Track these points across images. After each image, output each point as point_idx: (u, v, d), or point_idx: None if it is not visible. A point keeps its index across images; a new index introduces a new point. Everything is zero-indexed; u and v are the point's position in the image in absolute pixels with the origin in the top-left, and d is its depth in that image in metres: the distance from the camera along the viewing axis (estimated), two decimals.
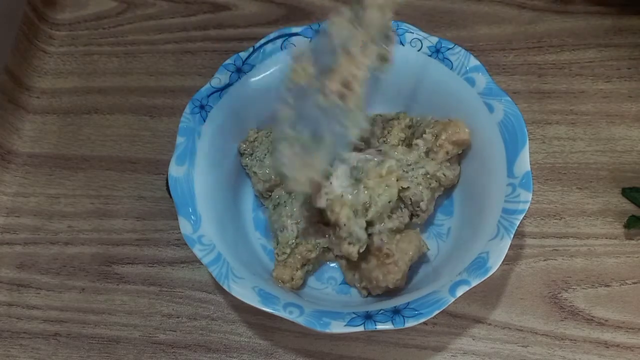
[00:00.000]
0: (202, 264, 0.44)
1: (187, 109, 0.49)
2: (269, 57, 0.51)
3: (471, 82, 0.49)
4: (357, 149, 0.49)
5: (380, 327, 0.41)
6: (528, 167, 0.45)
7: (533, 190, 0.45)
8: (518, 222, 0.44)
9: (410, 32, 0.51)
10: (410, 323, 0.41)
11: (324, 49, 0.42)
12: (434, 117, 0.51)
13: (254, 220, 0.53)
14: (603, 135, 0.57)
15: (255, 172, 0.51)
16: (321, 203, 0.45)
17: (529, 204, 0.44)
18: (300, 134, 0.41)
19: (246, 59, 0.51)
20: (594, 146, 0.57)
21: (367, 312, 0.42)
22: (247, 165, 0.52)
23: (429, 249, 0.48)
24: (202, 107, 0.49)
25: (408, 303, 0.42)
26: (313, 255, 0.49)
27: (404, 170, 0.48)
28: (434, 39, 0.51)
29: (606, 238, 0.53)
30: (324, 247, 0.49)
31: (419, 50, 0.51)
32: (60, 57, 0.66)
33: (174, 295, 0.53)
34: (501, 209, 0.45)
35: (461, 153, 0.51)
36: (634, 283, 0.51)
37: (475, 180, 0.50)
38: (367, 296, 0.49)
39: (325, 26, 0.42)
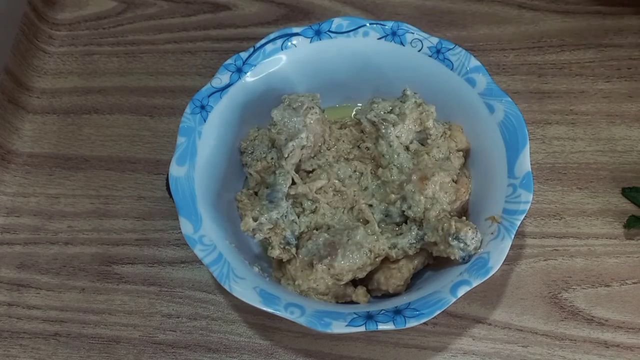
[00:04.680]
0: (202, 264, 0.44)
1: (188, 109, 0.49)
2: (270, 57, 0.51)
3: (472, 82, 0.49)
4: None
5: (381, 327, 0.41)
6: (529, 168, 0.45)
7: (533, 191, 0.45)
8: (519, 223, 0.44)
9: (411, 33, 0.51)
10: (411, 323, 0.41)
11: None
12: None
13: None
14: (603, 135, 0.57)
15: (251, 174, 0.51)
16: None
17: (529, 205, 0.44)
18: None
19: (247, 59, 0.51)
20: (594, 146, 0.57)
21: (368, 312, 0.42)
22: (246, 164, 0.52)
23: (432, 261, 0.48)
24: (202, 107, 0.49)
25: (409, 303, 0.42)
26: None
27: None
28: (435, 40, 0.51)
29: (606, 238, 0.53)
30: None
31: (419, 51, 0.51)
32: (60, 57, 0.66)
33: (174, 295, 0.53)
34: (502, 210, 0.45)
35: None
36: (634, 283, 0.51)
37: (476, 181, 0.50)
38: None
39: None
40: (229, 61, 0.51)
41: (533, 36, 0.63)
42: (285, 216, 0.47)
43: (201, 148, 0.48)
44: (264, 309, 0.42)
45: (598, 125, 0.58)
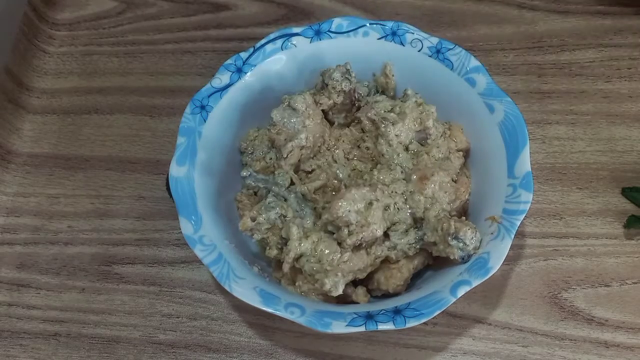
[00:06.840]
0: (202, 264, 0.44)
1: (188, 109, 0.49)
2: (270, 57, 0.51)
3: (472, 82, 0.49)
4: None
5: (381, 327, 0.41)
6: (529, 168, 0.45)
7: (533, 191, 0.45)
8: (519, 223, 0.44)
9: (411, 33, 0.51)
10: (411, 323, 0.41)
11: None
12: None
13: None
14: (603, 135, 0.57)
15: None
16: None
17: (529, 205, 0.44)
18: None
19: (247, 59, 0.51)
20: (594, 146, 0.57)
21: (368, 312, 0.42)
22: (246, 164, 0.52)
23: (432, 261, 0.48)
24: (202, 107, 0.49)
25: (409, 303, 0.42)
26: None
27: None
28: (435, 40, 0.51)
29: (606, 238, 0.53)
30: None
31: (419, 51, 0.51)
32: (60, 57, 0.66)
33: (174, 295, 0.53)
34: (502, 210, 0.45)
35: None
36: (634, 283, 0.51)
37: (476, 181, 0.50)
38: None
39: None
40: (229, 61, 0.51)
41: (533, 36, 0.63)
42: (284, 216, 0.47)
43: (201, 148, 0.48)
44: (264, 309, 0.42)
45: (598, 125, 0.58)
